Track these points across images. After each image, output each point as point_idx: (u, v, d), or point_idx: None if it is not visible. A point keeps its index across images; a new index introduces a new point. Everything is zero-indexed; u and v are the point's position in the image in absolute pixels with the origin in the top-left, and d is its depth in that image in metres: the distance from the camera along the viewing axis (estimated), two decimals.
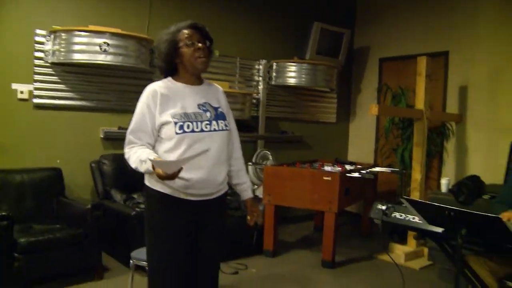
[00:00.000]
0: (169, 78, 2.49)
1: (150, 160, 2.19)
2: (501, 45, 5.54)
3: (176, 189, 2.39)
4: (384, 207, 3.15)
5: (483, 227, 2.49)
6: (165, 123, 2.37)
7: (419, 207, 2.72)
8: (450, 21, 6.07)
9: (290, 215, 6.43)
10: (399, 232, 5.59)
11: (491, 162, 5.16)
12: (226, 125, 2.54)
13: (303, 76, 6.10)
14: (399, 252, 5.10)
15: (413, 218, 2.98)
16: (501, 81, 5.56)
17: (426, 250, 5.08)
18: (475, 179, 4.35)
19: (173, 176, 2.15)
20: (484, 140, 5.69)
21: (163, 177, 2.15)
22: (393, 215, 3.12)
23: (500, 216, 2.70)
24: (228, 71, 5.92)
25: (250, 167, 5.62)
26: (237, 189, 2.80)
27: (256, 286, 4.14)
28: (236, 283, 4.18)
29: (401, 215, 3.08)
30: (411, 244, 5.20)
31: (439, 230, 2.80)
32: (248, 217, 2.78)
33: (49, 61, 4.61)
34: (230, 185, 2.74)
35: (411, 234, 5.22)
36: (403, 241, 5.32)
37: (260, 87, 6.08)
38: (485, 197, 4.17)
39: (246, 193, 2.79)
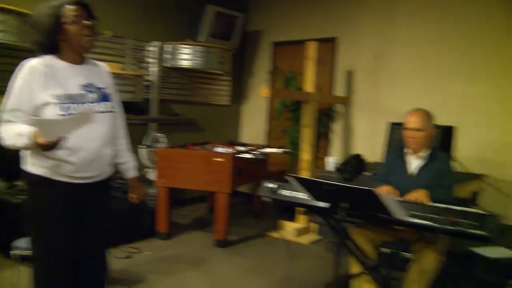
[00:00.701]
0: (50, 56, 2.34)
1: (31, 118, 2.07)
2: (383, 33, 5.95)
3: (59, 172, 2.30)
4: (272, 186, 3.27)
5: (360, 200, 2.68)
6: (46, 104, 2.25)
7: (303, 184, 2.85)
8: (338, 9, 6.37)
9: (185, 197, 6.44)
10: (289, 210, 5.83)
11: (373, 141, 5.53)
12: (112, 107, 2.49)
13: (197, 58, 6.06)
14: (289, 229, 5.33)
15: (300, 195, 3.13)
16: (382, 67, 5.98)
17: (315, 226, 5.35)
18: (358, 157, 4.64)
19: (55, 145, 2.04)
20: (367, 121, 6.10)
21: (45, 146, 2.04)
22: (281, 192, 3.25)
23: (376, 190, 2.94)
24: (120, 52, 5.71)
25: (142, 150, 5.52)
26: (121, 169, 2.76)
27: (150, 268, 4.11)
28: (130, 267, 4.12)
29: (289, 193, 3.21)
30: (301, 221, 5.44)
31: (324, 205, 2.97)
32: (131, 195, 2.77)
33: None
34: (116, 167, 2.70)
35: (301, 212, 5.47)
36: (293, 218, 5.55)
37: (153, 69, 5.96)
38: (367, 174, 4.47)
39: (130, 172, 2.77)
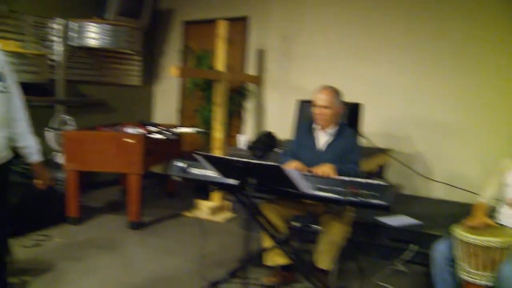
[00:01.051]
0: None
1: None
2: (293, 13, 6.09)
3: None
4: (182, 165, 3.27)
5: (268, 176, 2.75)
6: None
7: (211, 162, 2.88)
8: None
9: (98, 180, 6.28)
10: (204, 189, 5.86)
11: (285, 119, 5.63)
12: (5, 87, 2.36)
13: (105, 37, 5.82)
14: (204, 207, 5.36)
15: (210, 173, 3.16)
16: (293, 47, 6.11)
17: (229, 204, 5.43)
18: (269, 135, 4.73)
19: None
20: (279, 99, 6.23)
21: None
22: (191, 171, 3.26)
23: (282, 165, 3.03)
24: (18, 29, 5.37)
25: (49, 133, 5.29)
26: (23, 153, 2.65)
27: (60, 255, 3.97)
28: (38, 255, 3.96)
29: (198, 171, 3.23)
30: (216, 199, 5.49)
31: (234, 182, 3.02)
32: (37, 181, 2.67)
33: None
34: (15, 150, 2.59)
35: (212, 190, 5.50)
36: (207, 197, 5.58)
37: (58, 48, 5.68)
38: (278, 150, 4.58)
39: (33, 156, 2.66)
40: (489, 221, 2.84)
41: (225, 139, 5.60)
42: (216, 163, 2.89)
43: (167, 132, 5.05)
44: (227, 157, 2.77)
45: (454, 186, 5.17)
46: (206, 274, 3.59)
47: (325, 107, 3.37)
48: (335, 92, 3.43)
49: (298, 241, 4.34)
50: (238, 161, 2.66)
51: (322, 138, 3.51)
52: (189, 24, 7.04)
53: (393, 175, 5.49)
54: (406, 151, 5.48)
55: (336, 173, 3.12)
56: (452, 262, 2.79)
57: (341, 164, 3.32)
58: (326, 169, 3.13)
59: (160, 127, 5.60)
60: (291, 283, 3.52)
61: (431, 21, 5.28)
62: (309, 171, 3.18)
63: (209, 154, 2.83)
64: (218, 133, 5.35)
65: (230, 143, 6.22)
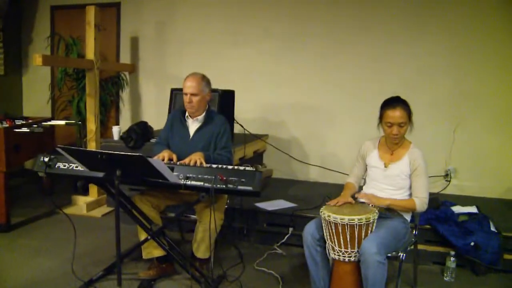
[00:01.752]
0: None
1: None
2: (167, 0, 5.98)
3: None
4: (47, 159, 3.09)
5: (133, 167, 2.67)
6: None
7: (75, 155, 2.74)
8: None
9: None
10: (81, 184, 5.59)
11: (161, 108, 5.54)
12: None
13: None
14: (81, 203, 5.14)
15: (76, 167, 3.01)
16: (166, 33, 6.00)
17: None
18: (143, 124, 4.61)
19: None
20: (154, 88, 6.12)
21: None
22: (56, 166, 3.09)
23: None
24: None
25: None
26: None
27: None
28: None
29: (64, 165, 3.07)
30: (93, 194, 5.27)
31: (100, 174, 2.90)
32: None
33: None
34: None
35: (92, 185, 5.28)
36: (85, 192, 5.34)
37: None
38: (153, 140, 4.48)
39: None
40: (350, 199, 2.99)
41: (101, 131, 5.38)
42: (79, 156, 2.75)
43: (34, 126, 4.72)
44: (89, 149, 2.64)
45: (327, 169, 5.43)
46: (81, 273, 3.43)
47: (193, 94, 3.34)
48: (202, 79, 3.40)
49: (179, 232, 4.31)
50: (100, 153, 2.54)
51: (192, 126, 3.50)
52: (57, 9, 6.62)
53: (270, 161, 5.63)
54: (283, 136, 5.65)
55: (205, 160, 3.11)
56: (320, 242, 2.91)
57: (213, 152, 3.34)
58: (194, 157, 3.11)
59: (30, 120, 5.22)
60: (170, 275, 3.48)
61: (301, 6, 5.44)
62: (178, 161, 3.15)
63: (70, 147, 2.67)
64: (91, 124, 5.12)
65: (107, 134, 6.00)
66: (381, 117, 3.03)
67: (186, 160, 3.09)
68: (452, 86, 4.97)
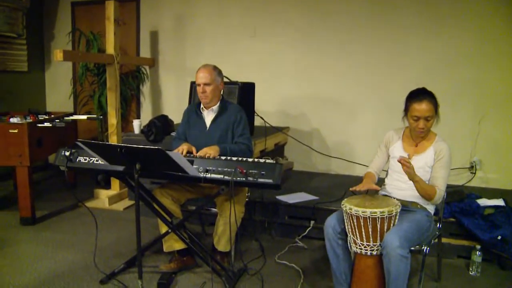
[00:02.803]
0: None
1: None
2: None
3: None
4: (68, 153, 3.11)
5: (153, 160, 2.67)
6: None
7: (95, 149, 2.75)
8: None
9: None
10: (102, 178, 5.64)
11: (181, 102, 5.55)
12: None
13: None
14: (103, 197, 5.18)
15: (97, 161, 3.02)
16: (186, 27, 5.99)
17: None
18: (163, 118, 4.61)
19: None
20: (174, 81, 6.13)
21: None
22: (78, 159, 3.11)
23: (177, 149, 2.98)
24: None
25: None
26: None
27: None
28: None
29: (85, 159, 3.09)
30: (115, 188, 5.31)
31: (120, 168, 2.91)
32: None
33: None
34: None
35: (114, 179, 5.33)
36: (107, 185, 5.39)
37: None
38: (173, 134, 4.48)
39: None
40: (373, 186, 2.93)
41: (122, 125, 5.41)
42: (99, 150, 2.75)
43: (56, 121, 4.77)
44: (109, 143, 2.65)
45: (348, 161, 5.38)
46: (103, 266, 3.46)
47: (206, 84, 3.33)
48: (214, 69, 3.40)
49: (199, 225, 4.31)
50: (120, 146, 2.54)
51: (207, 117, 3.49)
52: (78, 5, 6.67)
53: (291, 153, 5.59)
54: (303, 128, 5.60)
55: (217, 152, 3.09)
56: (342, 235, 2.86)
57: (231, 140, 3.34)
58: (208, 150, 3.10)
59: (52, 115, 5.29)
60: (190, 268, 3.48)
61: (325, 1, 5.38)
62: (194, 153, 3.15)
63: (90, 141, 2.68)
64: (112, 118, 5.15)
65: (128, 128, 6.04)
66: (406, 110, 2.94)
67: (202, 153, 3.08)
68: (477, 76, 4.86)
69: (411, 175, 2.77)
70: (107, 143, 2.66)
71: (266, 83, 5.32)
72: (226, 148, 3.21)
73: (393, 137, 3.13)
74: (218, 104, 3.46)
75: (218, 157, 2.99)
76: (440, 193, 2.86)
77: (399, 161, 2.74)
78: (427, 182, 2.92)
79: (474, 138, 4.89)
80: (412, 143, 3.03)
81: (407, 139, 3.06)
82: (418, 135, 2.97)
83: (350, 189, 2.92)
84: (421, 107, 2.83)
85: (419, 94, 2.89)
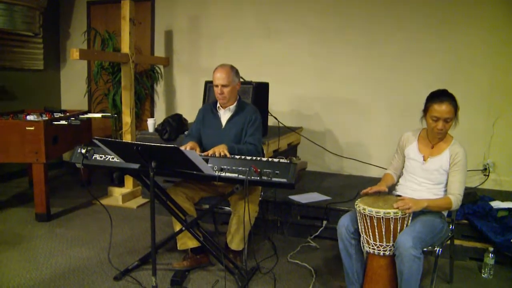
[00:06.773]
0: None
1: None
2: None
3: None
4: (84, 150, 3.15)
5: (168, 158, 2.70)
6: None
7: (111, 146, 2.78)
8: None
9: (2, 173, 5.93)
10: (117, 175, 5.71)
11: (195, 101, 5.59)
12: None
13: None
14: (117, 194, 5.23)
15: (112, 158, 3.06)
16: (200, 26, 6.02)
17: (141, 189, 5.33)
18: (177, 117, 4.65)
19: None
20: (188, 81, 6.16)
21: None
22: (93, 157, 3.15)
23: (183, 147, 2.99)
24: None
25: None
26: None
27: None
28: None
29: (101, 157, 3.13)
30: (128, 186, 5.36)
31: (135, 166, 2.94)
32: None
33: None
34: None
35: (128, 177, 5.38)
36: (121, 183, 5.44)
37: None
38: (186, 132, 4.51)
39: None
40: (382, 188, 2.94)
41: (137, 123, 5.46)
42: (116, 147, 2.79)
43: (71, 118, 4.83)
44: (125, 141, 2.68)
45: (361, 161, 5.37)
46: (117, 262, 3.51)
47: (224, 85, 3.36)
48: (231, 69, 3.41)
49: (213, 223, 4.34)
50: (136, 144, 2.57)
51: (224, 116, 3.51)
52: (93, 4, 6.74)
53: (304, 153, 5.60)
54: (317, 129, 5.61)
55: (228, 152, 3.08)
56: (355, 235, 2.87)
57: (242, 141, 3.37)
58: (217, 149, 3.09)
59: (67, 113, 5.36)
60: (204, 266, 3.51)
61: (339, 1, 5.39)
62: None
63: (107, 139, 2.71)
64: (127, 117, 5.19)
65: (142, 127, 6.09)
66: (426, 110, 2.93)
67: (210, 152, 3.09)
68: (491, 78, 4.83)
69: (418, 207, 2.73)
70: (123, 141, 2.68)
71: (280, 83, 5.34)
72: (234, 147, 3.22)
73: (409, 138, 3.13)
74: (235, 103, 3.49)
75: (232, 156, 3.01)
76: (457, 198, 2.85)
77: (396, 208, 2.72)
78: (443, 185, 2.93)
79: (488, 140, 4.87)
80: (428, 144, 3.02)
81: (423, 140, 3.06)
82: (435, 136, 2.96)
83: (361, 192, 2.95)
84: (442, 108, 2.83)
85: (441, 95, 2.88)
